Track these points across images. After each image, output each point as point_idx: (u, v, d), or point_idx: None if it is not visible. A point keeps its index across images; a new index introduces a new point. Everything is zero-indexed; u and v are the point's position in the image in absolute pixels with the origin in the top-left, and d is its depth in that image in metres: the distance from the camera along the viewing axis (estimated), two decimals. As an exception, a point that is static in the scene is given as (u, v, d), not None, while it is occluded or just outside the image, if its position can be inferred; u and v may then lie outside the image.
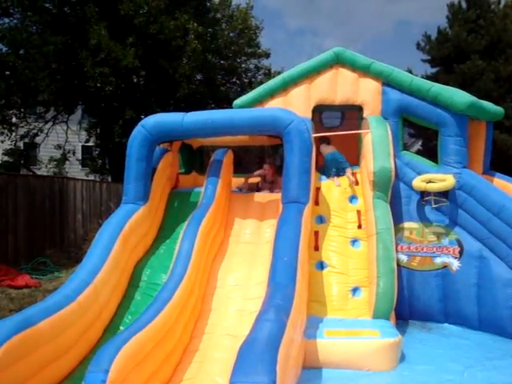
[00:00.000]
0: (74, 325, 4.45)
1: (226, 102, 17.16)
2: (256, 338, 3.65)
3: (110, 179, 18.17)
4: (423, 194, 6.72)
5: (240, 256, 5.94)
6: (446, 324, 6.64)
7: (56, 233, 11.99)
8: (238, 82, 20.86)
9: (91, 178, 18.78)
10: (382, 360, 5.14)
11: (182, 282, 4.85)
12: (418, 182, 6.63)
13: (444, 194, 6.59)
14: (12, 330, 3.76)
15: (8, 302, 7.89)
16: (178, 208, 6.60)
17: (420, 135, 17.52)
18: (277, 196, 6.11)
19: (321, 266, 6.22)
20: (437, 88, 6.89)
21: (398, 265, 6.40)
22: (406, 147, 7.41)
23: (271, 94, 7.59)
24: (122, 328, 5.01)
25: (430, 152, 7.47)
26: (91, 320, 4.76)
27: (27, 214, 11.08)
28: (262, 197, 6.80)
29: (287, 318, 4.07)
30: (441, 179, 6.53)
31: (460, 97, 6.71)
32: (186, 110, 6.32)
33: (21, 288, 8.96)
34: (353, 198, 6.85)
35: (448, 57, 16.54)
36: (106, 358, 3.48)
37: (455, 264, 6.50)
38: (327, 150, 7.44)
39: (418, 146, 19.16)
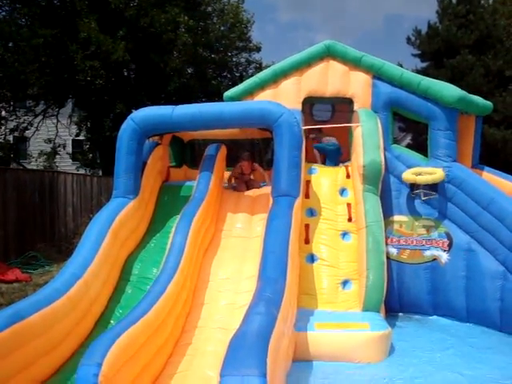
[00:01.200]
0: (64, 318, 4.44)
1: (217, 96, 17.12)
2: (246, 331, 3.66)
3: (100, 173, 18.09)
4: (413, 187, 6.75)
5: (231, 250, 5.95)
6: (435, 316, 6.70)
7: (46, 227, 11.94)
8: (229, 75, 20.84)
9: (82, 172, 18.69)
10: (372, 352, 5.18)
11: (174, 276, 4.85)
12: (408, 175, 6.67)
13: (433, 187, 6.63)
14: (2, 323, 3.76)
15: (-2, 297, 7.87)
16: (169, 202, 6.59)
17: (410, 129, 17.59)
18: (267, 190, 6.12)
19: (311, 258, 6.25)
20: (427, 82, 6.92)
21: (388, 258, 6.44)
22: (396, 141, 7.43)
23: (262, 86, 7.58)
24: (112, 321, 5.01)
25: (420, 146, 7.50)
26: (82, 313, 4.75)
27: (17, 208, 11.03)
28: (252, 191, 6.80)
29: (277, 311, 4.08)
30: (430, 172, 6.57)
31: (450, 91, 6.74)
32: (177, 103, 6.30)
33: (11, 282, 8.94)
34: (343, 191, 6.88)
35: (438, 51, 16.61)
36: (99, 352, 3.48)
37: (444, 257, 6.55)
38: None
39: (407, 140, 19.23)
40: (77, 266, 4.91)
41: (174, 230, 5.52)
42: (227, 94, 7.77)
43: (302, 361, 5.05)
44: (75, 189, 13.07)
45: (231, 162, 7.56)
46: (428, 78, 7.08)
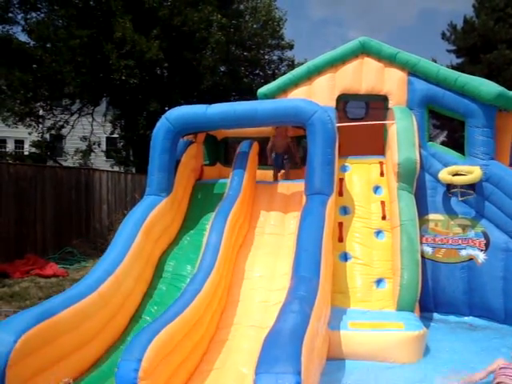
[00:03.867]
0: (96, 314, 4.54)
1: (249, 94, 17.15)
2: (280, 329, 3.67)
3: (134, 171, 18.37)
4: (449, 185, 6.63)
5: (265, 247, 5.97)
6: (470, 317, 6.56)
7: (82, 223, 12.21)
8: (261, 73, 20.84)
9: (116, 169, 19.01)
10: (406, 352, 5.11)
11: (210, 274, 4.90)
12: (445, 175, 6.54)
13: (471, 186, 6.50)
14: (34, 319, 3.86)
15: (37, 291, 8.09)
16: (203, 199, 6.65)
17: (445, 126, 17.30)
18: (301, 186, 6.10)
19: (345, 257, 6.20)
20: (464, 78, 6.78)
21: (423, 257, 6.34)
22: (430, 139, 7.30)
23: (295, 83, 7.54)
24: (147, 318, 5.10)
25: (455, 143, 7.38)
26: (114, 310, 4.84)
27: (54, 205, 11.31)
28: (286, 187, 6.79)
29: (311, 309, 4.08)
30: (468, 171, 6.44)
31: (488, 87, 6.59)
32: (210, 101, 6.36)
33: (49, 277, 9.19)
34: (377, 189, 6.79)
35: (474, 46, 16.27)
36: (139, 348, 3.55)
37: (481, 256, 6.42)
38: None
39: (442, 137, 18.90)
40: (109, 263, 5.01)
41: (209, 228, 5.57)
42: (261, 90, 7.78)
43: (335, 359, 5.03)
44: (110, 186, 13.33)
45: (263, 159, 7.57)
46: (465, 75, 6.93)
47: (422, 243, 6.43)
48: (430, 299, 6.61)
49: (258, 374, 3.24)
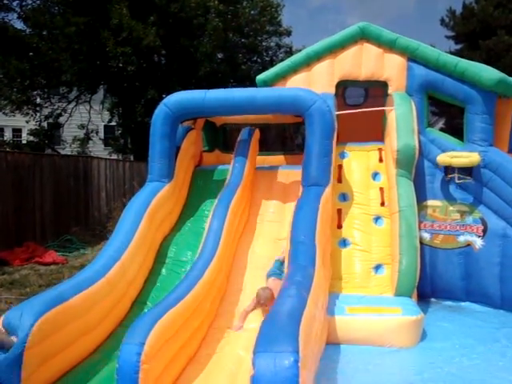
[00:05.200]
0: (103, 300, 4.57)
1: (247, 81, 17.11)
2: (278, 311, 3.72)
3: (132, 158, 18.35)
4: (447, 171, 6.65)
5: (265, 235, 6.01)
6: (467, 302, 6.62)
7: (81, 211, 12.23)
8: (259, 60, 20.73)
9: (114, 157, 18.99)
10: (404, 337, 5.17)
11: (212, 261, 4.94)
12: (443, 157, 6.56)
13: (468, 172, 6.52)
14: (46, 305, 3.88)
15: (37, 278, 8.12)
16: (202, 186, 6.67)
17: (443, 113, 17.27)
18: (300, 174, 6.10)
19: (344, 243, 6.24)
20: (464, 64, 6.76)
21: (421, 243, 6.38)
22: (429, 125, 7.30)
23: (294, 69, 7.50)
24: (149, 303, 5.13)
25: (454, 130, 7.38)
26: (119, 295, 4.88)
27: (53, 193, 11.32)
28: (285, 175, 6.80)
29: (307, 294, 4.12)
30: (466, 157, 6.45)
31: (488, 73, 6.57)
32: (208, 88, 6.33)
33: (48, 264, 9.22)
34: (376, 175, 6.81)
35: (473, 32, 16.21)
36: (141, 332, 3.58)
37: (478, 242, 6.46)
38: None
39: (440, 124, 18.89)
40: (115, 249, 5.03)
41: (211, 214, 5.59)
42: (260, 77, 7.75)
43: (333, 344, 5.09)
44: (108, 174, 13.33)
45: (262, 145, 7.55)
46: (465, 60, 6.89)
47: (420, 229, 6.46)
48: (428, 285, 6.66)
49: (256, 353, 3.27)
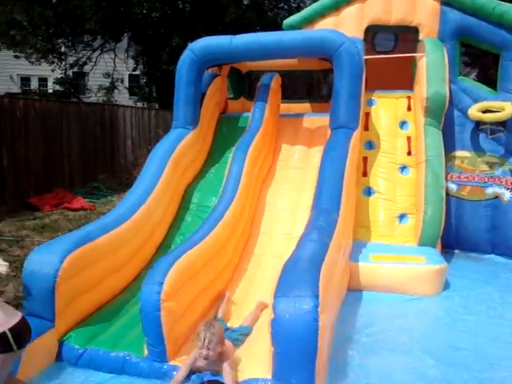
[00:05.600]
0: (129, 242, 4.68)
1: (273, 28, 16.63)
2: (299, 256, 3.75)
3: (157, 106, 18.31)
4: (478, 122, 6.47)
5: (289, 181, 6.01)
6: (492, 255, 6.59)
7: (107, 159, 12.37)
8: (286, 7, 20.09)
9: (139, 105, 18.97)
10: (427, 286, 5.20)
11: (232, 204, 4.98)
12: (474, 112, 6.36)
13: (502, 123, 6.33)
14: (74, 243, 4.00)
15: (67, 223, 8.34)
16: (227, 133, 6.65)
17: (476, 64, 16.59)
18: (326, 120, 6.02)
19: (368, 192, 6.21)
20: (503, 6, 6.41)
21: (448, 194, 6.30)
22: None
23: (322, 14, 7.25)
24: (173, 247, 5.22)
25: (486, 82, 7.08)
26: (145, 238, 4.99)
27: (80, 141, 11.44)
28: (310, 121, 6.72)
29: (330, 239, 4.12)
30: (499, 107, 6.25)
31: (529, 16, 6.26)
32: (234, 35, 6.20)
33: (77, 210, 9.44)
34: (403, 124, 6.67)
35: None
36: (161, 272, 3.68)
37: (507, 195, 6.36)
38: None
39: (473, 75, 18.23)
40: (140, 193, 5.11)
41: (230, 160, 5.60)
42: (287, 21, 7.54)
43: (355, 291, 5.15)
44: (134, 122, 13.36)
45: (287, 93, 7.44)
46: (504, 3, 6.54)
47: (447, 180, 6.38)
48: (453, 236, 6.62)
49: (276, 297, 3.34)
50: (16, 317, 2.83)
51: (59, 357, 3.80)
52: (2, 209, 8.98)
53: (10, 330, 2.71)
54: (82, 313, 4.11)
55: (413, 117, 6.63)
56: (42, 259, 3.79)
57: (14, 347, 2.73)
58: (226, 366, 3.39)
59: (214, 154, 6.40)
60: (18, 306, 5.09)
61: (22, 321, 2.84)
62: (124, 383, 3.57)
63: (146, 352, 3.64)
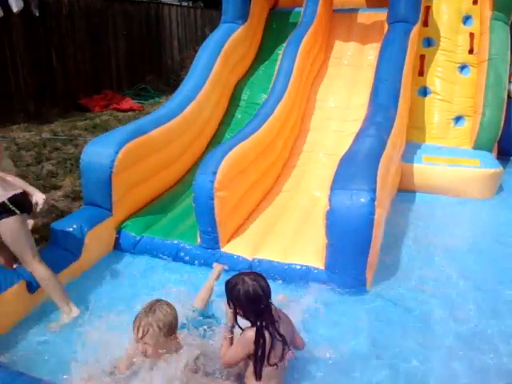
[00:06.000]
0: (180, 137, 4.73)
1: None
2: (358, 150, 3.70)
3: (202, 5, 17.67)
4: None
5: (341, 78, 5.81)
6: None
7: (154, 60, 12.22)
8: None
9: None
10: (480, 189, 5.10)
11: (282, 99, 4.90)
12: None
13: None
14: (128, 135, 4.06)
15: (117, 123, 8.48)
16: (277, 29, 6.40)
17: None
18: (383, 16, 5.67)
19: (424, 92, 5.94)
20: None
21: (509, 96, 5.94)
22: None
23: None
24: (223, 143, 5.28)
25: None
26: (196, 133, 5.03)
27: (126, 41, 11.29)
28: (366, 17, 6.35)
29: (387, 136, 4.05)
30: None
31: None
32: None
33: (126, 111, 9.55)
34: (467, 19, 6.20)
35: None
36: (214, 162, 3.72)
37: None
38: None
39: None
40: (190, 88, 5.08)
41: (281, 54, 5.42)
42: None
43: (406, 191, 5.11)
44: (180, 21, 13.00)
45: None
46: None
47: (510, 81, 5.98)
48: (511, 142, 6.33)
49: (333, 190, 3.34)
50: (15, 191, 3.05)
51: (117, 245, 4.00)
52: (54, 110, 9.17)
53: (9, 199, 2.98)
54: (137, 203, 4.27)
55: (478, 11, 6.13)
56: (98, 150, 3.89)
57: (17, 211, 2.99)
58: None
59: (264, 51, 6.23)
60: (75, 198, 5.38)
61: (21, 194, 3.08)
62: (178, 269, 3.76)
63: (198, 240, 3.78)
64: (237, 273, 2.54)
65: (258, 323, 2.37)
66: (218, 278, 3.32)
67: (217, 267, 3.41)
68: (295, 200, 4.50)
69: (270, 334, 2.36)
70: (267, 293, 2.40)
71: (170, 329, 2.40)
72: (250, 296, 2.35)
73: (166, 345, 2.41)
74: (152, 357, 2.40)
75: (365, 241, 3.23)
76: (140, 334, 2.35)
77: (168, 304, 2.47)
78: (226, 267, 3.47)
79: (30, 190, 3.31)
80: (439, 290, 3.46)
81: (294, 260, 3.53)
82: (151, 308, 2.40)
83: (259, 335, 2.35)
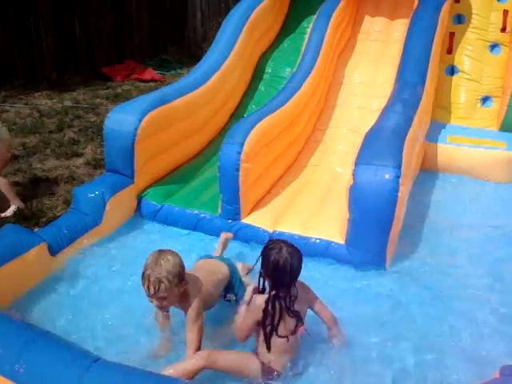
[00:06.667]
0: (203, 107, 4.71)
1: None
2: (384, 125, 3.65)
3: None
4: None
5: (367, 54, 5.69)
6: None
7: (177, 31, 12.10)
8: None
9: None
10: (506, 172, 4.97)
11: (310, 74, 4.83)
12: None
13: None
14: (152, 103, 4.04)
15: (138, 93, 8.45)
16: (304, 1, 6.25)
17: None
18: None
19: (451, 70, 5.79)
20: None
21: (540, 77, 5.78)
22: None
23: None
24: (246, 116, 5.22)
25: None
26: (219, 105, 5.01)
27: (149, 12, 11.19)
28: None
29: (414, 113, 3.98)
30: None
31: None
32: None
33: (147, 81, 9.54)
34: (502, -4, 6.01)
35: None
36: (241, 133, 3.70)
37: None
38: None
39: None
40: (214, 59, 5.03)
41: (310, 27, 5.34)
42: None
43: (430, 171, 5.03)
44: (204, -7, 12.79)
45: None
46: None
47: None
48: (538, 125, 6.18)
49: (358, 164, 3.30)
50: None
51: (138, 212, 4.01)
52: (77, 78, 9.19)
53: None
54: (159, 172, 4.28)
55: (514, -13, 5.93)
56: (121, 118, 3.89)
57: None
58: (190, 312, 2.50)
59: (289, 24, 6.11)
60: (96, 166, 5.42)
61: None
62: (198, 239, 3.77)
63: (219, 211, 3.78)
64: (279, 239, 2.54)
65: (273, 292, 2.37)
66: (225, 246, 3.32)
67: (223, 235, 3.38)
68: (317, 175, 4.48)
69: (281, 306, 2.36)
70: (294, 273, 2.40)
71: (179, 277, 2.40)
72: (277, 266, 2.36)
73: (178, 293, 2.44)
74: (169, 306, 2.48)
75: (387, 218, 3.20)
76: (152, 291, 2.35)
77: (171, 253, 2.44)
78: (232, 235, 3.46)
79: (10, 197, 4.14)
80: (457, 269, 3.42)
81: (314, 234, 3.51)
82: (157, 262, 2.37)
83: (270, 303, 2.36)
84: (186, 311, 2.49)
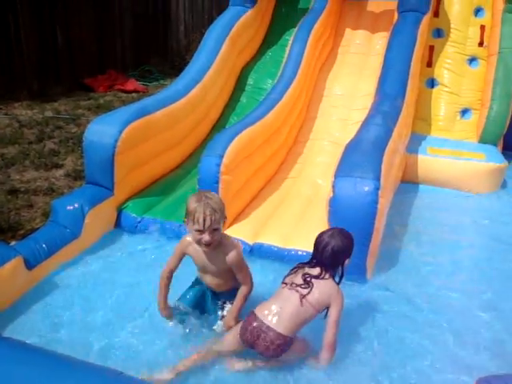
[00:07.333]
0: (184, 119, 4.70)
1: None
2: (363, 138, 3.67)
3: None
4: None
5: (348, 66, 5.75)
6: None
7: (160, 42, 12.08)
8: None
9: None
10: (484, 183, 5.06)
11: (291, 85, 4.87)
12: None
13: None
14: (132, 115, 4.02)
15: (120, 104, 8.41)
16: (286, 14, 6.32)
17: None
18: (393, 5, 5.60)
19: (431, 83, 5.88)
20: None
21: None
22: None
23: None
24: (227, 127, 5.22)
25: None
26: (200, 117, 5.00)
27: (133, 23, 11.16)
28: (376, 5, 6.28)
29: (394, 125, 4.02)
30: None
31: None
32: None
33: (130, 92, 9.48)
34: (479, 11, 6.11)
35: None
36: (221, 145, 3.70)
37: None
38: None
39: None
40: (196, 71, 5.03)
41: (292, 39, 5.38)
42: None
43: (410, 182, 5.09)
44: (187, 4, 12.82)
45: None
46: None
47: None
48: (516, 137, 6.28)
49: (337, 177, 3.31)
50: None
51: (118, 225, 3.97)
52: (58, 89, 9.10)
53: None
54: (139, 184, 4.24)
55: (491, 3, 6.04)
56: (102, 129, 3.85)
57: None
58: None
59: (272, 36, 6.15)
60: (76, 177, 5.36)
61: None
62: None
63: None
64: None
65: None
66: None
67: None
68: (297, 187, 4.48)
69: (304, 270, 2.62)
70: (324, 254, 2.57)
71: (224, 212, 2.54)
72: (317, 241, 2.63)
73: (222, 229, 2.62)
74: (216, 242, 2.54)
75: (367, 229, 3.21)
76: (209, 222, 2.43)
77: (210, 191, 2.66)
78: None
79: None
80: (439, 280, 3.45)
81: (295, 245, 3.51)
82: (205, 197, 2.49)
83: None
84: (225, 254, 2.61)
